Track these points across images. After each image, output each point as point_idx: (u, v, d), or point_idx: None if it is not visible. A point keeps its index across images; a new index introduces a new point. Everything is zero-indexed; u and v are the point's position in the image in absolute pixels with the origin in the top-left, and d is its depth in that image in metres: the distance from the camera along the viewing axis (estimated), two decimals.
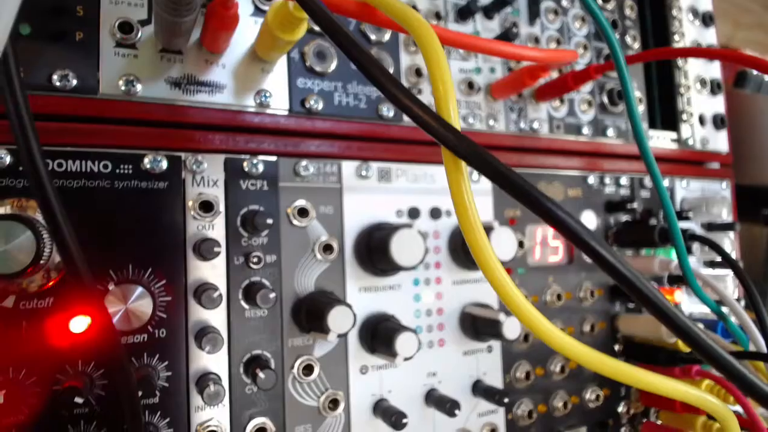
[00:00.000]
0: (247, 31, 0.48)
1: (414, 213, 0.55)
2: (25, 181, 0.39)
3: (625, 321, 0.66)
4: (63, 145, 0.41)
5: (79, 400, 0.37)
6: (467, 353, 0.57)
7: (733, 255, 0.77)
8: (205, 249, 0.43)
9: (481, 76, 0.61)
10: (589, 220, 0.67)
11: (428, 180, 0.56)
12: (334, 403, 0.49)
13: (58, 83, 0.41)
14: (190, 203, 0.45)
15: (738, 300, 0.71)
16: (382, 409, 0.51)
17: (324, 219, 0.51)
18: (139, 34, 0.43)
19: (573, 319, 0.64)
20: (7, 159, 0.39)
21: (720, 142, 0.80)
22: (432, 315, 0.55)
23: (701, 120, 0.78)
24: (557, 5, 0.68)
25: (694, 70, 0.78)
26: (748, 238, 0.87)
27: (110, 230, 0.42)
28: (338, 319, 0.44)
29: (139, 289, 0.40)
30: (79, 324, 0.39)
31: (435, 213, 0.56)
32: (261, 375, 0.43)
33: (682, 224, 0.70)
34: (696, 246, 0.65)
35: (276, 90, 0.49)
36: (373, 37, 0.54)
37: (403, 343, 0.47)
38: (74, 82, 0.41)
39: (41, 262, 0.35)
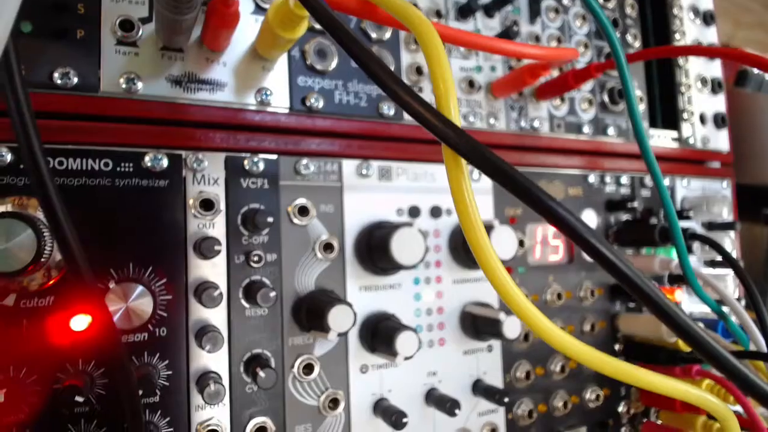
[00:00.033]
0: (247, 29, 0.48)
1: (414, 212, 0.55)
2: (26, 179, 0.39)
3: (625, 320, 0.66)
4: (64, 143, 0.41)
5: (79, 398, 0.37)
6: (467, 352, 0.57)
7: (734, 254, 0.77)
8: (205, 247, 0.43)
9: (481, 75, 0.61)
10: (590, 219, 0.67)
11: (429, 179, 0.56)
12: (334, 403, 0.49)
13: (59, 81, 0.41)
14: (190, 201, 0.45)
15: (738, 299, 0.71)
16: (383, 409, 0.51)
17: (324, 218, 0.51)
18: (140, 32, 0.43)
19: (573, 319, 0.64)
20: (8, 157, 0.39)
21: (721, 141, 0.80)
22: (432, 314, 0.55)
23: (702, 119, 0.78)
24: (558, 4, 0.68)
25: (694, 68, 0.78)
26: (749, 238, 0.87)
27: (111, 228, 0.42)
28: (338, 318, 0.44)
29: (140, 288, 0.40)
30: (80, 322, 0.39)
31: (435, 212, 0.56)
32: (261, 374, 0.43)
33: (683, 223, 0.70)
34: (696, 245, 0.65)
35: (277, 88, 0.49)
36: (374, 35, 0.54)
37: (404, 342, 0.47)
38: (75, 80, 0.41)
39: (42, 260, 0.35)
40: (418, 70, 0.56)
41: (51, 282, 0.39)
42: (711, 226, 0.75)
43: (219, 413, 0.44)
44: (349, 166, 0.52)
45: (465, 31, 0.44)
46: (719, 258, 0.64)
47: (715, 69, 0.81)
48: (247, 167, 0.47)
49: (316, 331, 0.47)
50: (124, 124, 0.43)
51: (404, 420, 0.49)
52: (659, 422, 0.66)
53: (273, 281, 0.47)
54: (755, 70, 0.90)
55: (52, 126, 0.41)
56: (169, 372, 0.43)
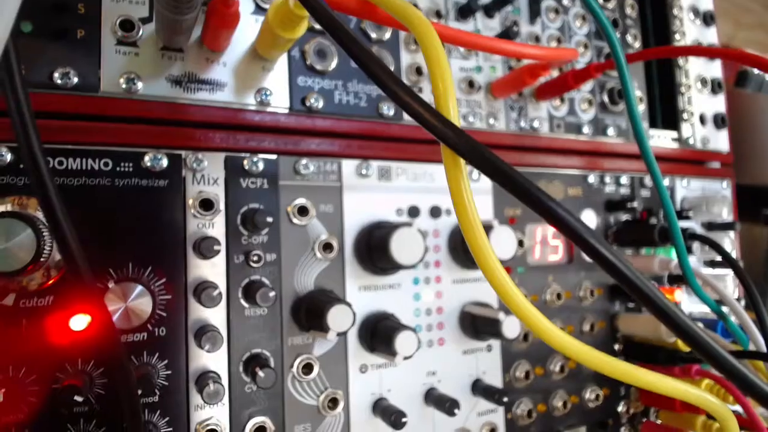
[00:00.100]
0: (247, 29, 0.48)
1: (414, 212, 0.55)
2: (25, 179, 0.39)
3: (624, 320, 0.66)
4: (64, 143, 0.41)
5: (78, 398, 0.37)
6: (467, 352, 0.57)
7: (734, 254, 0.77)
8: (205, 247, 0.43)
9: (481, 75, 0.61)
10: (589, 219, 0.67)
11: (428, 179, 0.56)
12: (333, 402, 0.49)
13: (59, 81, 0.41)
14: (190, 201, 0.45)
15: (738, 299, 0.71)
16: (382, 408, 0.51)
17: (324, 217, 0.51)
18: (140, 32, 0.43)
19: (573, 319, 0.64)
20: (8, 156, 0.39)
21: (720, 141, 0.80)
22: (432, 314, 0.55)
23: (702, 119, 0.78)
24: (558, 4, 0.68)
25: (694, 69, 0.78)
26: (749, 238, 0.87)
27: (110, 228, 0.42)
28: (338, 318, 0.44)
29: (139, 288, 0.40)
30: (79, 322, 0.39)
31: (435, 212, 0.56)
32: (260, 374, 0.43)
33: (683, 223, 0.70)
34: (696, 245, 0.65)
35: (276, 88, 0.49)
36: (373, 35, 0.54)
37: (403, 342, 0.47)
38: (75, 79, 0.41)
39: (41, 260, 0.35)
40: (418, 71, 0.56)
41: (50, 282, 0.39)
42: (711, 226, 0.75)
43: (218, 413, 0.45)
44: (348, 166, 0.52)
45: (465, 31, 0.45)
46: (719, 258, 0.64)
47: (715, 69, 0.81)
48: (246, 167, 0.47)
49: (315, 331, 0.47)
50: (124, 124, 0.43)
51: (403, 420, 0.49)
52: (659, 422, 0.66)
53: (272, 281, 0.47)
54: (755, 71, 0.90)
55: (52, 126, 0.41)
56: (169, 372, 0.43)
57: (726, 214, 0.76)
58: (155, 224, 0.43)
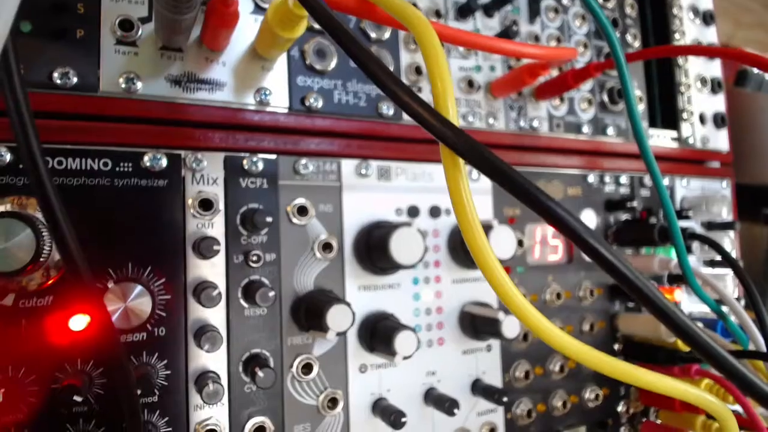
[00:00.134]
0: (247, 29, 0.48)
1: (413, 211, 0.55)
2: (25, 179, 0.39)
3: (624, 320, 0.66)
4: (63, 143, 0.41)
5: (78, 398, 0.37)
6: (466, 352, 0.57)
7: (733, 254, 0.77)
8: (204, 247, 0.43)
9: (481, 75, 0.61)
10: (589, 218, 0.67)
11: (427, 178, 0.56)
12: (333, 402, 0.49)
13: (58, 81, 0.41)
14: (189, 201, 0.45)
15: (738, 299, 0.71)
16: (381, 408, 0.51)
17: (323, 217, 0.51)
18: (140, 32, 0.43)
19: (572, 318, 0.64)
20: (7, 156, 0.39)
21: (720, 140, 0.80)
22: (431, 314, 0.55)
23: (701, 119, 0.78)
24: (558, 3, 0.68)
25: (694, 68, 0.78)
26: (748, 237, 0.87)
27: (110, 228, 0.42)
28: (337, 318, 0.44)
29: (139, 288, 0.40)
30: (79, 322, 0.39)
31: (434, 211, 0.56)
32: (260, 374, 0.43)
33: (682, 223, 0.70)
34: (696, 245, 0.65)
35: (276, 88, 0.49)
36: (373, 35, 0.54)
37: (402, 341, 0.47)
38: (75, 79, 0.41)
39: (41, 260, 0.35)
40: (417, 70, 0.56)
41: (50, 282, 0.39)
42: (710, 225, 0.75)
43: (218, 413, 0.45)
44: (348, 165, 0.52)
45: (464, 30, 0.45)
46: (719, 258, 0.64)
47: (714, 69, 0.81)
48: (246, 167, 0.47)
49: (314, 331, 0.47)
50: (124, 123, 0.43)
51: (403, 419, 0.49)
52: (658, 422, 0.66)
53: (272, 281, 0.47)
54: (755, 70, 0.90)
55: (51, 126, 0.41)
56: (168, 371, 0.43)
57: (726, 214, 0.76)
58: (155, 224, 0.43)
